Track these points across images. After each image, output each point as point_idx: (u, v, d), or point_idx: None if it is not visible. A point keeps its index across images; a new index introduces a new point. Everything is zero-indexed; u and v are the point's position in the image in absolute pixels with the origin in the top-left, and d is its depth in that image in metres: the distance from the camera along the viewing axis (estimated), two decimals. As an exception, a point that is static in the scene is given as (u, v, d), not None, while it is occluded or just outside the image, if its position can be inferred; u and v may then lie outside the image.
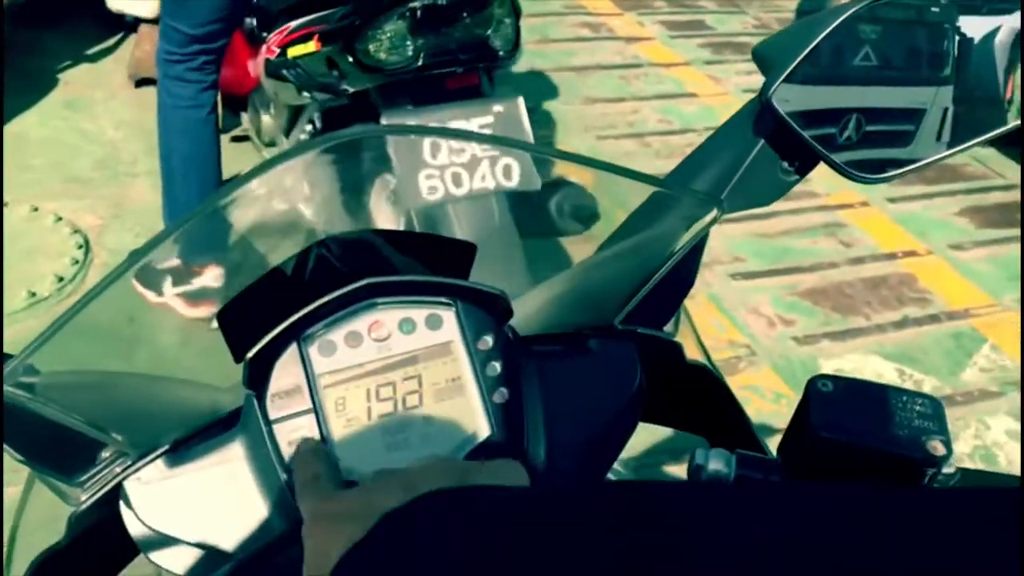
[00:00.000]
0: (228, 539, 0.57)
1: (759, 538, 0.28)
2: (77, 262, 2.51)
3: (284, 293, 0.59)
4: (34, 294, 2.37)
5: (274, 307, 0.59)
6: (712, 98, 3.83)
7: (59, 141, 3.13)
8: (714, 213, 0.59)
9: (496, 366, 0.60)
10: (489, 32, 1.87)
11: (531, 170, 1.75)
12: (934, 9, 0.81)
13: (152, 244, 0.54)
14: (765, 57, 0.65)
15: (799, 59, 0.62)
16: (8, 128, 3.12)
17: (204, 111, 2.24)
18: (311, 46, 1.93)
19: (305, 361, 0.58)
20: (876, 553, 0.26)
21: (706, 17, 4.69)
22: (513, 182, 1.74)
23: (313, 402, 0.57)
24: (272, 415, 0.57)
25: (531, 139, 1.82)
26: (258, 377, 0.57)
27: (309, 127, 2.16)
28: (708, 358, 0.74)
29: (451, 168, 1.68)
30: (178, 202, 2.27)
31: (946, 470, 0.52)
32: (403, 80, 1.85)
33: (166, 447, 0.58)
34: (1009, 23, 0.77)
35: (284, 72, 2.07)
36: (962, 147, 0.71)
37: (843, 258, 2.89)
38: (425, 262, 0.64)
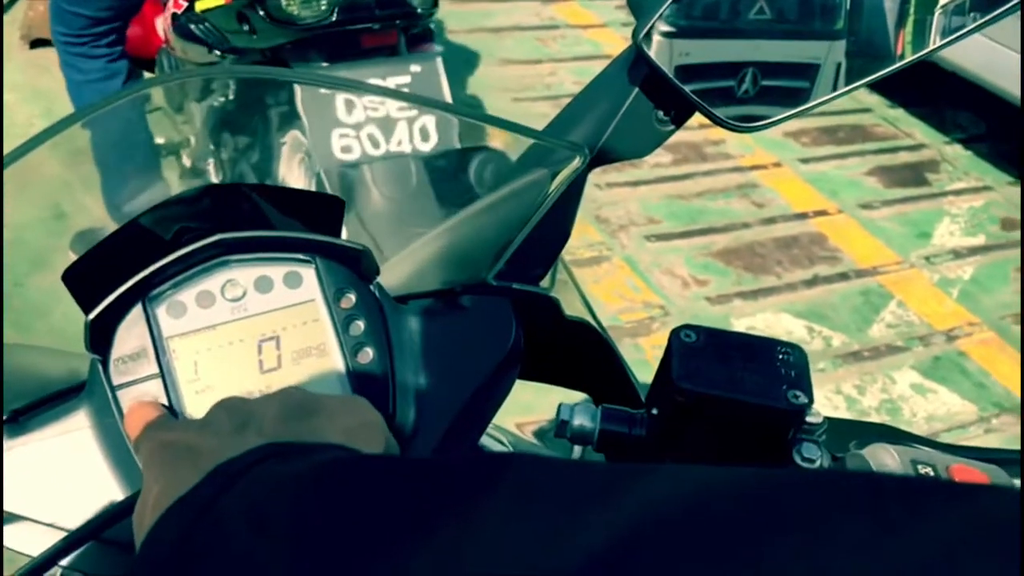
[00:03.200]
0: (74, 512, 0.53)
1: (615, 522, 0.26)
2: (-31, 233, 2.40)
3: (135, 250, 0.56)
4: (-78, 267, 2.25)
5: (124, 266, 0.55)
6: (629, 60, 3.81)
7: (-52, 105, 2.98)
8: (577, 161, 0.57)
9: (360, 325, 0.57)
10: None
11: (449, 133, 1.71)
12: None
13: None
14: (638, 1, 0.63)
15: (669, 1, 0.60)
16: None
17: (119, 79, 2.10)
18: None
19: (151, 322, 0.54)
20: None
21: (624, -21, 4.67)
22: (430, 145, 1.71)
23: (160, 366, 0.54)
24: (116, 380, 0.54)
25: (449, 99, 1.78)
26: (101, 340, 0.54)
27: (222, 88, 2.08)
28: (592, 313, 0.72)
29: (367, 127, 1.64)
30: (113, 175, 2.16)
31: (811, 419, 0.51)
32: (317, 37, 1.78)
33: (3, 418, 0.54)
34: (900, -24, 0.76)
35: (192, 28, 1.96)
36: (841, 92, 0.70)
37: (756, 218, 2.92)
38: (292, 218, 0.61)
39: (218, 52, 1.97)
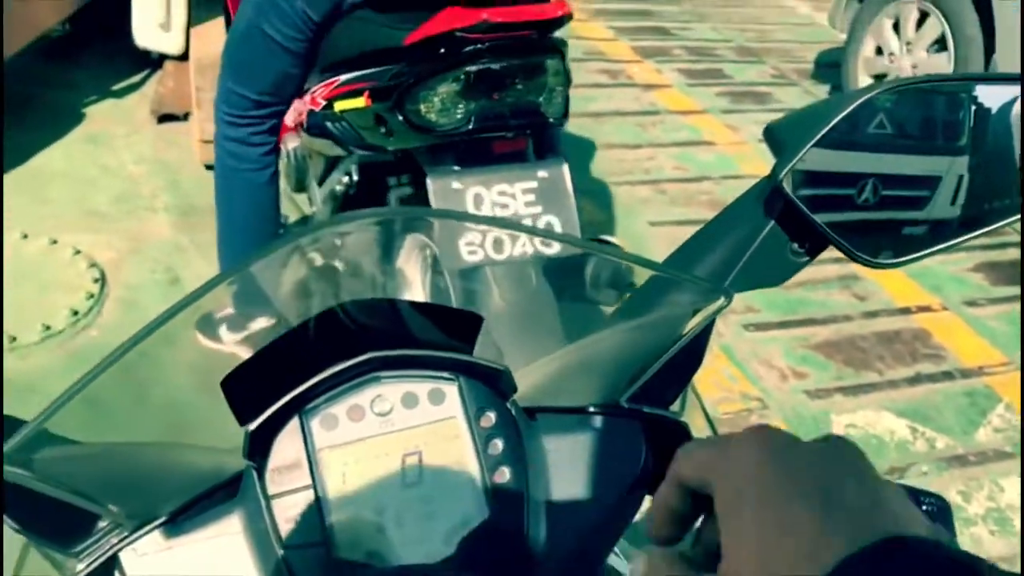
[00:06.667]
0: None
1: None
2: (92, 296, 2.52)
3: (290, 362, 0.59)
4: (48, 327, 2.37)
5: (279, 376, 0.58)
6: (729, 146, 3.84)
7: (79, 175, 3.16)
8: (720, 302, 0.59)
9: (498, 444, 0.59)
10: (541, 99, 1.84)
11: (572, 232, 1.75)
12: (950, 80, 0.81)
13: (196, 295, 0.55)
14: (777, 137, 0.65)
15: (812, 143, 0.62)
16: (30, 162, 3.16)
17: (268, 172, 2.15)
18: (360, 101, 1.91)
19: (306, 435, 0.57)
20: None
21: (724, 66, 4.71)
22: (553, 248, 1.74)
23: (312, 477, 0.57)
24: (272, 490, 0.56)
25: (574, 205, 1.81)
26: (259, 449, 0.57)
27: (346, 179, 2.11)
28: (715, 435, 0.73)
29: (492, 233, 1.67)
30: (236, 259, 2.19)
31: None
32: (451, 142, 1.83)
33: (163, 518, 0.58)
34: (1028, 94, 0.76)
35: (328, 125, 2.03)
36: (980, 231, 0.70)
37: (857, 312, 2.87)
38: (432, 333, 0.64)
39: (349, 148, 2.03)
